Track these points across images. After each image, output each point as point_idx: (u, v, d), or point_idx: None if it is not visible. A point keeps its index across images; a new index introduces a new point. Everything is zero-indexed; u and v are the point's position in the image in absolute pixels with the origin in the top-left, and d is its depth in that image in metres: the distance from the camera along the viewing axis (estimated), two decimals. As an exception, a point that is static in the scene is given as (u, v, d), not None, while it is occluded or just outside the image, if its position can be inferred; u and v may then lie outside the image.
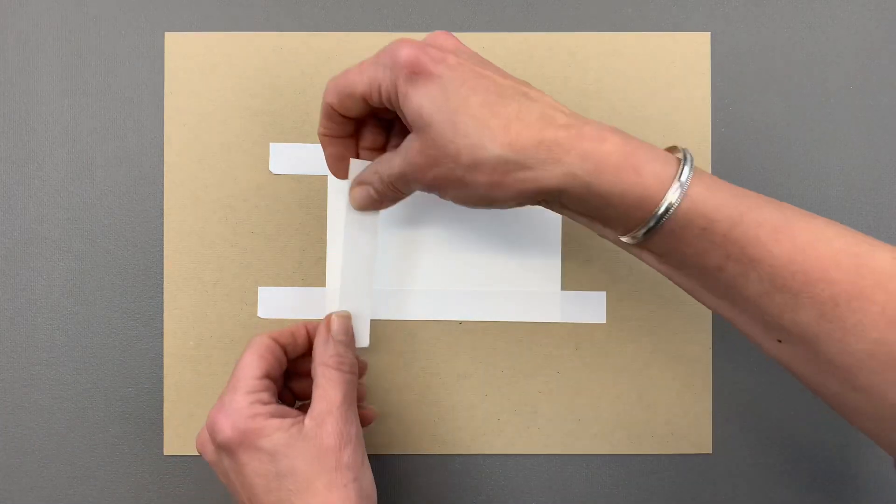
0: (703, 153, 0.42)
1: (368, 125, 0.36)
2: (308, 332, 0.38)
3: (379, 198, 0.35)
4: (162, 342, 0.42)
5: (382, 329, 0.42)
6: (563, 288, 0.42)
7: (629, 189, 0.29)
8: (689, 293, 0.32)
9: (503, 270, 0.42)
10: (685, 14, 0.43)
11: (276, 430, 0.33)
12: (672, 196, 0.28)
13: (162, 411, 0.42)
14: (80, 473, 0.42)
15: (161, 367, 0.42)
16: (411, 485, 0.43)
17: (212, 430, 0.34)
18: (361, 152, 0.37)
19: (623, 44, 0.42)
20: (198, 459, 0.42)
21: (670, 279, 0.32)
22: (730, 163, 0.42)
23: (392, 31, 0.42)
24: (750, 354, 0.42)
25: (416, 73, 0.30)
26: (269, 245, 0.42)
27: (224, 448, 0.33)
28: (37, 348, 0.42)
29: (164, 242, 0.42)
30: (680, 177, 0.28)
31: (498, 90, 0.30)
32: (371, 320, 0.42)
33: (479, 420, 0.42)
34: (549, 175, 0.29)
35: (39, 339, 0.42)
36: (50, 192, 0.42)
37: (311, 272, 0.42)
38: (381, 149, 0.37)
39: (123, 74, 0.43)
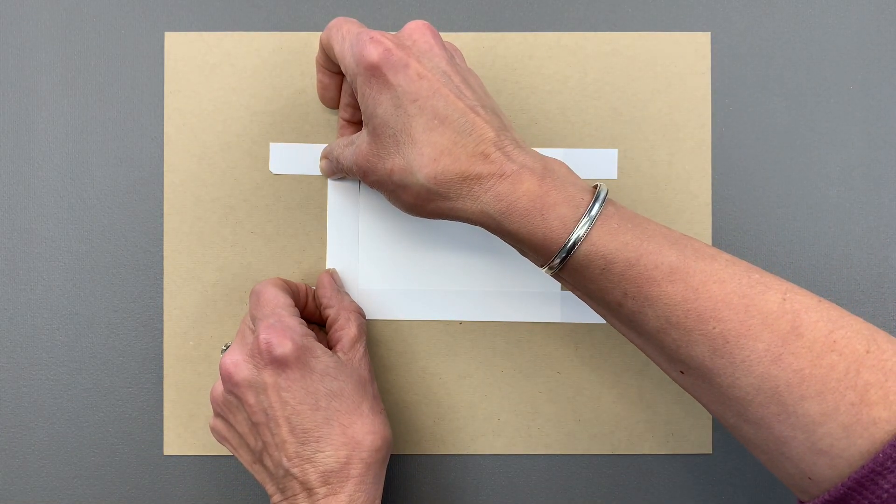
0: (703, 153, 0.42)
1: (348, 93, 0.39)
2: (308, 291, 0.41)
3: (341, 174, 0.40)
4: (162, 342, 0.42)
5: (382, 329, 0.42)
6: (563, 288, 0.42)
7: (534, 231, 0.31)
8: (606, 321, 0.35)
9: (503, 270, 0.42)
10: (685, 14, 0.43)
11: (324, 353, 0.36)
12: (572, 239, 0.31)
13: (162, 411, 0.42)
14: (80, 473, 0.42)
15: (161, 367, 0.42)
16: (411, 485, 0.43)
17: (267, 346, 0.34)
18: (340, 111, 0.40)
19: (623, 44, 0.42)
20: (198, 459, 0.42)
21: (590, 307, 0.35)
22: (730, 163, 0.42)
23: (392, 31, 0.42)
24: (750, 354, 0.42)
25: (375, 76, 0.32)
26: (269, 245, 0.42)
27: (279, 363, 0.34)
28: (37, 348, 0.42)
29: (164, 242, 0.42)
30: (580, 221, 0.31)
31: (444, 114, 0.32)
32: (371, 320, 0.42)
33: (479, 420, 0.42)
34: (466, 209, 0.32)
35: (39, 339, 0.42)
36: (50, 192, 0.42)
37: (311, 272, 0.42)
38: (359, 122, 0.40)
39: (123, 74, 0.43)
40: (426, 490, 0.43)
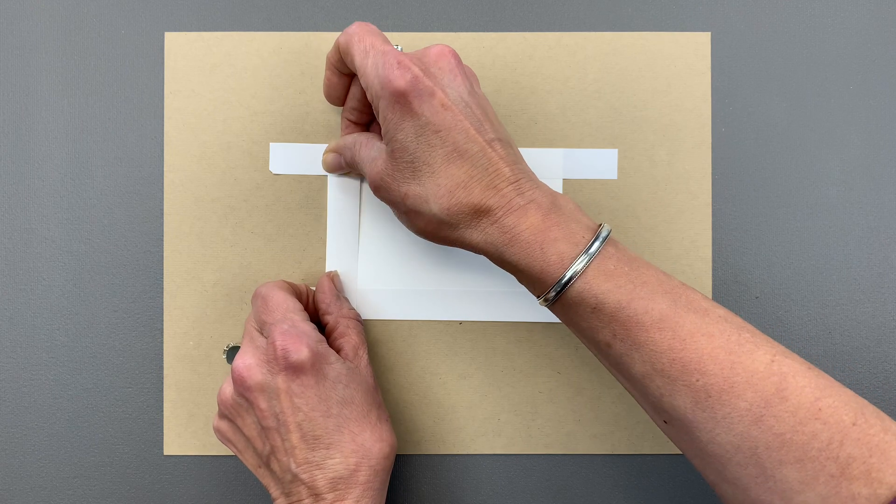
0: (703, 153, 0.42)
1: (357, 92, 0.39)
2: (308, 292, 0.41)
3: (346, 169, 0.41)
4: (162, 342, 0.42)
5: (382, 329, 0.42)
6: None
7: (533, 263, 0.32)
8: (597, 358, 0.35)
9: (503, 270, 0.42)
10: (685, 14, 0.43)
11: (337, 360, 0.36)
12: (567, 275, 0.31)
13: (162, 411, 0.42)
14: (80, 473, 0.42)
15: (161, 367, 0.42)
16: (411, 485, 0.43)
17: (284, 352, 0.34)
18: (345, 111, 0.40)
19: (623, 44, 0.42)
20: (198, 459, 0.42)
21: (583, 344, 0.35)
22: (730, 163, 0.42)
23: (392, 31, 0.43)
24: (750, 354, 0.42)
25: (399, 102, 0.32)
26: (269, 245, 0.42)
27: (295, 370, 0.34)
28: (37, 348, 0.42)
29: (164, 242, 0.42)
30: (577, 259, 0.31)
31: (464, 147, 0.32)
32: (371, 320, 0.42)
33: (479, 420, 0.42)
34: (472, 238, 0.33)
35: (39, 339, 0.42)
36: (50, 192, 0.42)
37: (311, 272, 0.42)
38: (363, 123, 0.40)
39: (123, 74, 0.43)
40: (426, 490, 0.43)
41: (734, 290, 0.42)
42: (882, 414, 0.29)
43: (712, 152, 0.42)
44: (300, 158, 0.42)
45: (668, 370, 0.30)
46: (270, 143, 0.42)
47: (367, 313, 0.42)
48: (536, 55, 0.42)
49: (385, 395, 0.42)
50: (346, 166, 0.40)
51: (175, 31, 0.42)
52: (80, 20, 0.43)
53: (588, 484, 0.42)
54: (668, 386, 0.30)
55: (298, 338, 0.34)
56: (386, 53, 0.33)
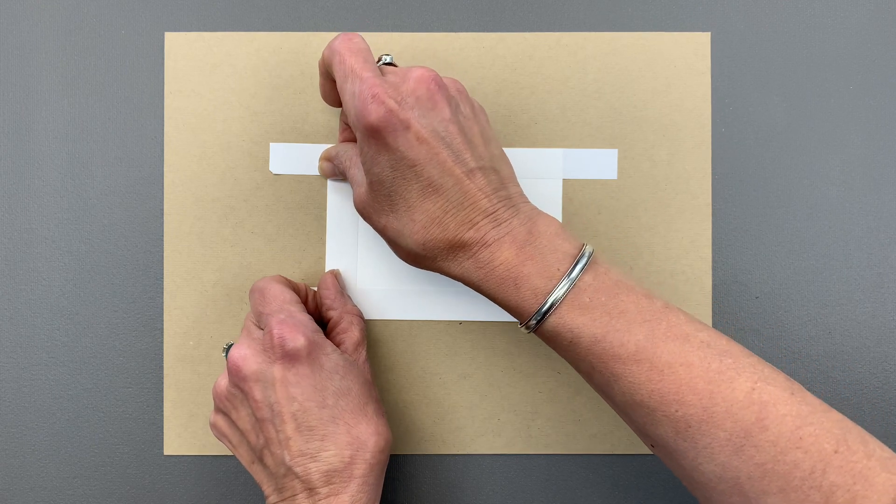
0: (703, 153, 0.42)
1: None
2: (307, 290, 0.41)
3: (341, 178, 0.41)
4: (162, 342, 0.42)
5: (382, 329, 0.42)
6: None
7: (508, 299, 0.32)
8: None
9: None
10: (685, 14, 0.43)
11: (334, 350, 0.36)
12: (541, 311, 0.31)
13: (162, 411, 0.42)
14: (80, 473, 0.42)
15: (161, 367, 0.42)
16: (411, 485, 0.43)
17: (280, 340, 0.34)
18: (342, 114, 0.40)
19: (623, 44, 0.42)
20: (198, 459, 0.42)
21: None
22: (730, 163, 0.42)
23: (392, 31, 0.42)
24: (750, 354, 0.42)
25: (374, 137, 0.32)
26: (269, 245, 0.42)
27: (291, 358, 0.34)
28: (37, 348, 0.42)
29: (164, 242, 0.42)
30: (551, 293, 0.31)
31: (439, 182, 0.32)
32: (371, 320, 0.42)
33: (479, 420, 0.42)
34: (450, 269, 0.33)
35: (39, 339, 0.42)
36: (50, 192, 0.42)
37: (311, 272, 0.42)
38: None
39: (123, 74, 0.43)
40: (426, 490, 0.43)
41: (734, 290, 0.42)
42: (866, 437, 0.29)
43: (712, 152, 0.42)
44: (300, 158, 0.42)
45: (646, 401, 0.30)
46: (270, 143, 0.42)
47: (368, 313, 0.42)
48: (536, 55, 0.42)
49: (385, 395, 0.42)
50: (339, 175, 0.40)
51: (175, 31, 0.42)
52: (80, 20, 0.43)
53: (588, 484, 0.42)
54: (649, 416, 0.30)
55: (295, 326, 0.34)
56: (363, 82, 0.32)
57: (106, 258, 0.42)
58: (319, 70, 0.38)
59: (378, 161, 0.32)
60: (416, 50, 0.42)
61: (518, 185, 0.35)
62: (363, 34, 0.42)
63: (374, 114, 0.31)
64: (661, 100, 0.42)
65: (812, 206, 0.42)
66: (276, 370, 0.34)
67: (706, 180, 0.42)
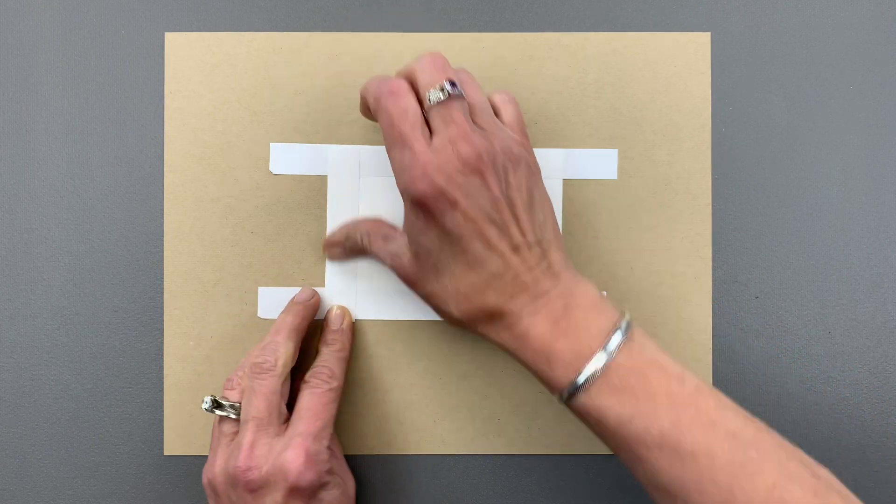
0: (703, 153, 0.42)
1: None
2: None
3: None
4: (162, 342, 0.42)
5: (382, 329, 0.42)
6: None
7: (541, 372, 0.33)
8: None
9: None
10: (685, 14, 0.43)
11: (334, 486, 0.37)
12: (567, 392, 0.32)
13: (162, 411, 0.42)
14: (80, 473, 0.42)
15: (161, 367, 0.42)
16: (411, 485, 0.43)
17: (297, 477, 0.35)
18: None
19: (623, 44, 0.42)
20: (198, 460, 0.42)
21: None
22: (730, 163, 0.42)
23: (392, 31, 0.42)
24: (749, 356, 0.42)
25: (422, 210, 0.33)
26: (269, 245, 0.42)
27: (296, 493, 0.35)
28: (37, 348, 0.42)
29: (164, 242, 0.42)
30: (581, 372, 0.31)
31: (483, 257, 0.33)
32: (371, 320, 0.42)
33: (479, 420, 0.42)
34: (489, 335, 0.34)
35: (39, 339, 0.42)
36: (50, 192, 0.42)
37: (311, 272, 0.42)
38: None
39: (123, 74, 0.43)
40: (426, 490, 0.43)
41: (734, 290, 0.42)
42: None
43: (712, 152, 0.42)
44: (300, 158, 0.42)
45: (668, 487, 0.30)
46: (270, 143, 0.42)
47: (368, 313, 0.42)
48: (536, 55, 0.42)
49: (385, 395, 0.42)
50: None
51: (175, 31, 0.42)
52: (80, 20, 0.43)
53: (588, 484, 0.42)
54: (669, 499, 0.31)
55: (313, 464, 0.35)
56: (414, 156, 0.32)
57: (106, 258, 0.42)
58: (361, 99, 0.37)
59: (425, 232, 0.33)
60: (416, 50, 0.42)
61: (561, 250, 0.34)
62: (363, 34, 0.42)
63: (424, 190, 0.32)
64: (661, 100, 0.42)
65: (812, 206, 0.42)
66: (281, 496, 0.35)
67: (706, 180, 0.42)
